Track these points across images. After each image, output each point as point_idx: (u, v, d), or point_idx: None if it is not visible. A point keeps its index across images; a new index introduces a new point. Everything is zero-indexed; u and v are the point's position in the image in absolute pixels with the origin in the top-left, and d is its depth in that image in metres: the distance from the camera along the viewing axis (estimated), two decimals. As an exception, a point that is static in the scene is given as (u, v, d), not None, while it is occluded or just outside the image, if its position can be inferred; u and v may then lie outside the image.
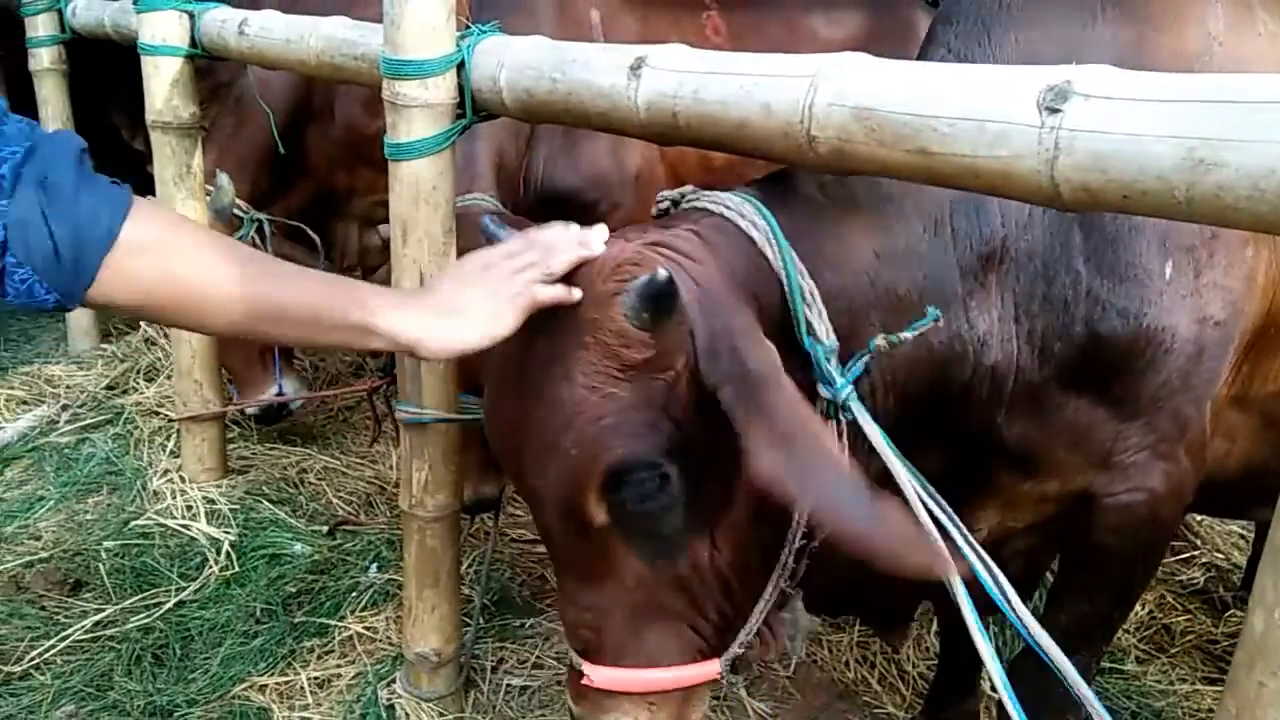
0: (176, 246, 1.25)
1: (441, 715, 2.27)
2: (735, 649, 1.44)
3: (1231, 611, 2.86)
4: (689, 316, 1.25)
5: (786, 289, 1.36)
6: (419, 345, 1.35)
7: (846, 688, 2.54)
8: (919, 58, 1.66)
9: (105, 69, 3.89)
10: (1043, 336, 1.50)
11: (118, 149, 4.11)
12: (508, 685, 2.41)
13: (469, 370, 1.98)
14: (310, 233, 3.29)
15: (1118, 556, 1.69)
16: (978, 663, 2.26)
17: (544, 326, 1.32)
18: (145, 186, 2.96)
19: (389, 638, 2.51)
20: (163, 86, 2.77)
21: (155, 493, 3.08)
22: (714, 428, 1.22)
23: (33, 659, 2.45)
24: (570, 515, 1.30)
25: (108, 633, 2.55)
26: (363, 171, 3.33)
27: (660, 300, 1.20)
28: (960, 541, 1.28)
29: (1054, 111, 1.04)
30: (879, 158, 1.21)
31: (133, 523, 2.96)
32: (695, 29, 3.19)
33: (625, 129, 1.57)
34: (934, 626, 2.66)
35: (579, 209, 2.85)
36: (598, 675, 1.38)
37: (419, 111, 1.82)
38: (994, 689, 1.27)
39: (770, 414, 1.15)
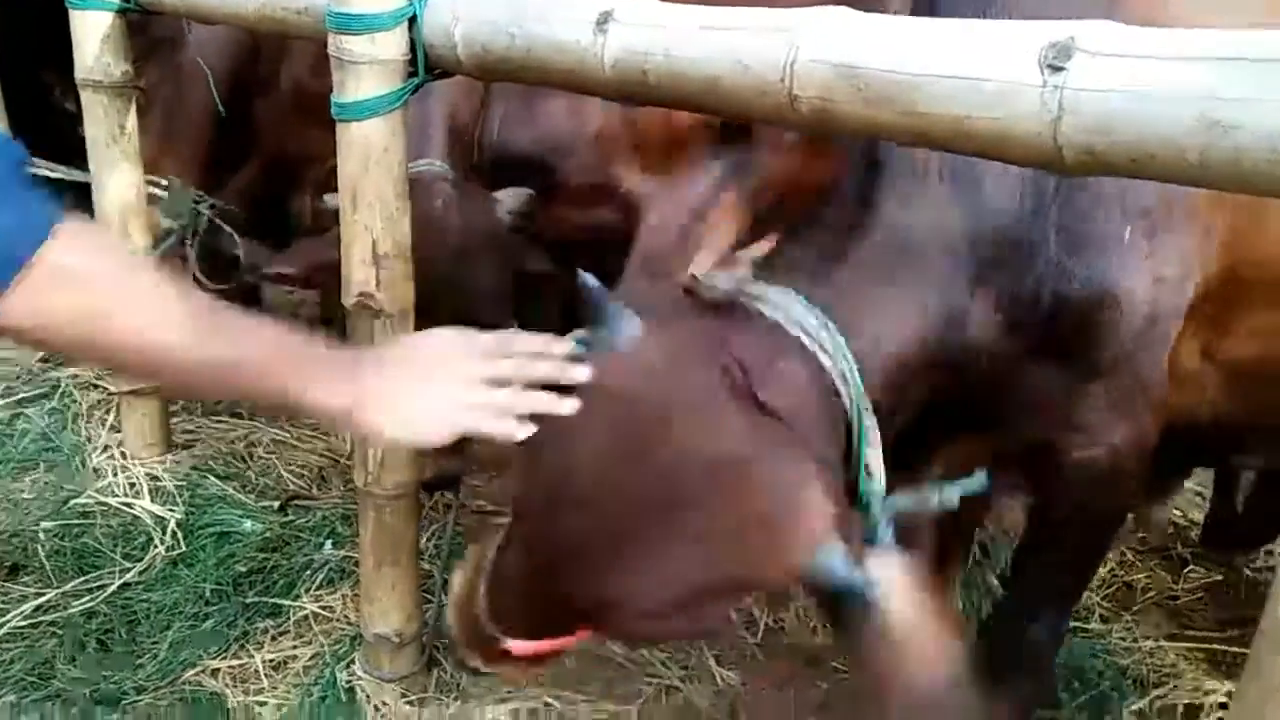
0: (109, 284, 1.13)
1: (404, 696, 2.20)
2: None
3: (1191, 568, 2.89)
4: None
5: (855, 430, 1.29)
6: (344, 429, 1.25)
7: (814, 654, 2.52)
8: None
9: (36, 24, 3.67)
10: (1022, 321, 1.47)
11: (50, 110, 3.89)
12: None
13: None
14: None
15: (1082, 512, 1.71)
16: None
17: (682, 459, 1.17)
18: (79, 151, 2.81)
19: (346, 617, 2.43)
20: (92, 43, 2.60)
21: (95, 470, 2.95)
22: None
23: (-31, 647, 2.34)
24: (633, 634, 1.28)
25: (48, 618, 2.44)
26: (314, 135, 3.18)
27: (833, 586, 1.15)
28: None
29: (1056, 69, 0.98)
30: (867, 118, 1.14)
31: (72, 502, 2.83)
32: None
33: (591, 88, 1.48)
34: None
35: (538, 172, 2.75)
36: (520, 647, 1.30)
37: (367, 69, 1.71)
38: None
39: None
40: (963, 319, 1.43)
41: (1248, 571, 2.91)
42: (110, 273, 1.14)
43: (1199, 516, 3.10)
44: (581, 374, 1.24)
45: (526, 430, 1.22)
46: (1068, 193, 1.43)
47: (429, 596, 2.35)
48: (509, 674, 1.34)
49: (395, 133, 1.78)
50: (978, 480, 1.29)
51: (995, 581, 2.71)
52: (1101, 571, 2.88)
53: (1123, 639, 2.58)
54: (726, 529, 1.14)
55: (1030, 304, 1.46)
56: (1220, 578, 2.86)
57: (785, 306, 1.30)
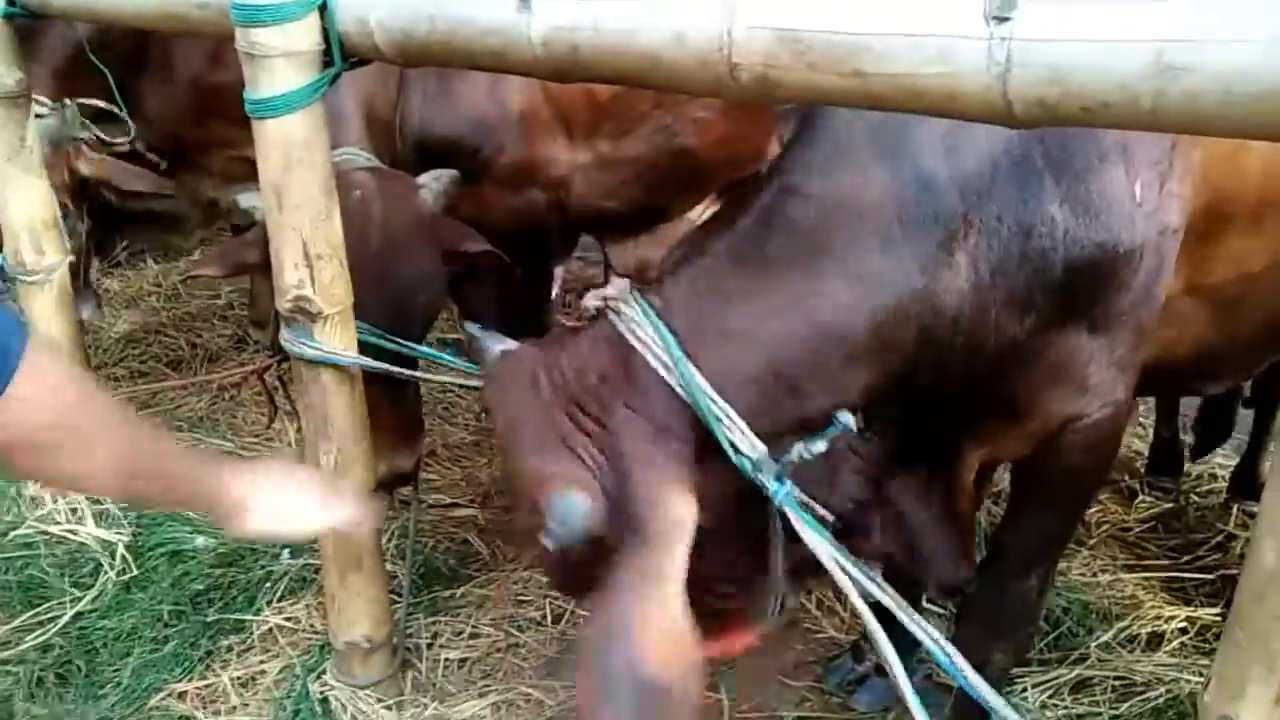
0: (64, 424, 1.17)
1: (380, 700, 2.16)
2: None
3: (1140, 498, 2.94)
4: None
5: (702, 418, 1.39)
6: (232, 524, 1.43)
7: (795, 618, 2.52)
8: None
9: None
10: (1024, 291, 1.44)
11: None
12: (445, 660, 2.32)
13: None
14: (150, 156, 3.08)
15: (1085, 472, 1.70)
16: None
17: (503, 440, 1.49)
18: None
19: (312, 626, 2.38)
20: (-19, 52, 2.47)
21: (33, 499, 2.83)
22: None
23: (-81, 696, 2.25)
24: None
25: (1, 655, 2.35)
26: (214, 126, 3.06)
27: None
28: (907, 623, 1.35)
29: (1001, 21, 0.96)
30: (811, 83, 1.11)
31: (12, 533, 2.72)
32: None
33: (521, 68, 1.43)
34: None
35: (461, 156, 2.66)
36: None
37: (281, 61, 1.64)
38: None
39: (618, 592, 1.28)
40: (908, 298, 1.42)
41: (1195, 498, 2.97)
42: (66, 412, 1.18)
43: (1143, 448, 3.15)
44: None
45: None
46: (1062, 155, 1.40)
47: (396, 598, 2.31)
48: None
49: (316, 127, 1.71)
50: (839, 425, 1.45)
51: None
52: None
53: (1082, 575, 2.62)
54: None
55: (1037, 275, 1.43)
56: (1170, 506, 2.91)
57: (628, 316, 1.45)
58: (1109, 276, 1.44)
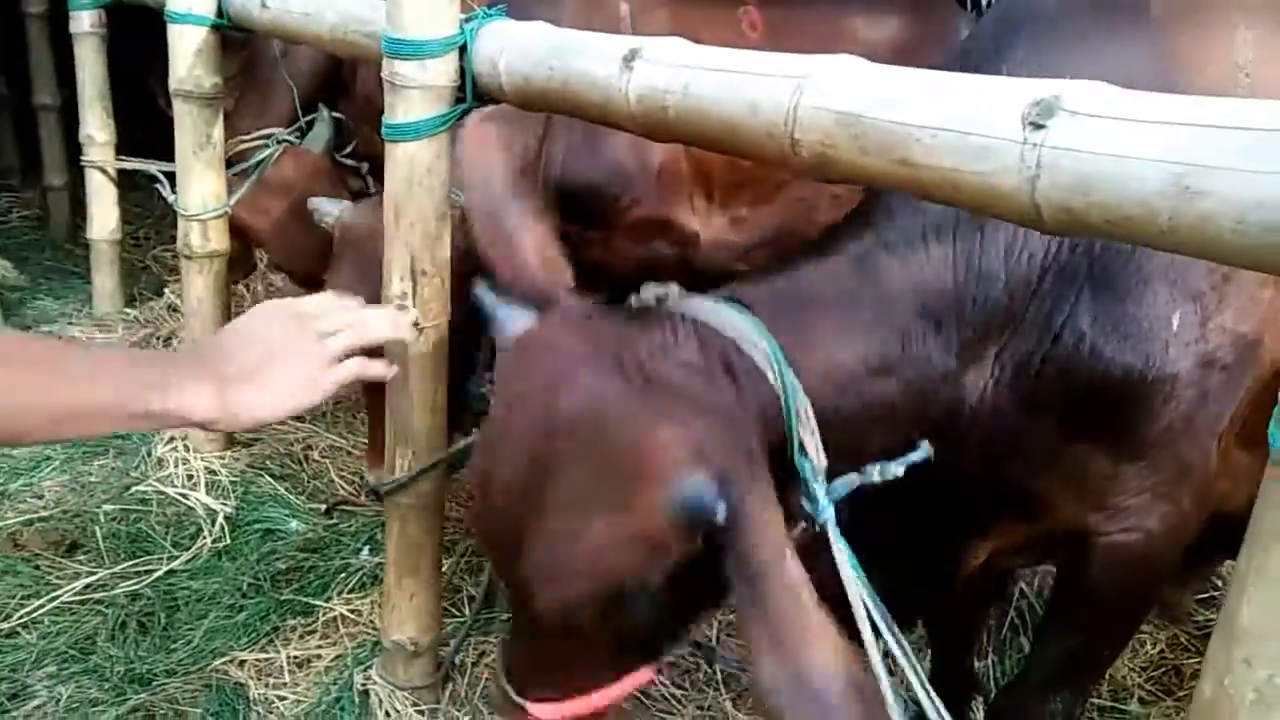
0: None
1: (415, 705, 2.23)
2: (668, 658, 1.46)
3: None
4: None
5: (784, 411, 1.33)
6: (216, 423, 1.22)
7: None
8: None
9: (146, 37, 3.91)
10: (1042, 395, 1.44)
11: (154, 117, 4.13)
12: (486, 680, 2.38)
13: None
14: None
15: (1110, 595, 1.64)
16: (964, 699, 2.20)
17: (552, 470, 1.26)
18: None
19: (371, 622, 2.49)
20: (186, 55, 2.77)
21: (159, 460, 3.08)
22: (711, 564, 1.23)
23: (21, 617, 2.47)
24: (550, 614, 1.28)
25: (96, 596, 2.56)
26: (380, 146, 3.32)
27: (699, 511, 1.19)
28: (918, 688, 1.28)
29: (1038, 127, 0.98)
30: (861, 166, 1.15)
31: (133, 488, 2.97)
32: (731, 24, 3.09)
33: (617, 121, 1.52)
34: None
35: (599, 204, 2.79)
36: (546, 714, 1.37)
37: (417, 93, 1.79)
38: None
39: (772, 613, 1.16)
40: (940, 379, 1.42)
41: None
42: None
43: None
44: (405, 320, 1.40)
45: (392, 369, 1.32)
46: (1105, 273, 1.40)
47: (451, 611, 2.39)
48: None
49: (439, 155, 1.85)
50: (921, 451, 1.37)
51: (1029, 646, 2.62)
52: (1150, 652, 2.77)
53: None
54: (593, 479, 1.22)
55: (1057, 382, 1.43)
56: None
57: (698, 308, 1.40)
58: (1136, 401, 1.41)
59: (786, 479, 1.33)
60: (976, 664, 2.45)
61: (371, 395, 2.07)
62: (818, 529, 1.34)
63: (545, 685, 1.38)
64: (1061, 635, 1.74)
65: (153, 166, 3.46)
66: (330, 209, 2.54)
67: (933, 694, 1.27)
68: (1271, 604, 0.86)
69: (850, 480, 1.37)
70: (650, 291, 1.46)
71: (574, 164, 2.84)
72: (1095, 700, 2.53)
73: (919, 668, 1.29)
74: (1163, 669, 2.73)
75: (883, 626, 1.29)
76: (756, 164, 1.36)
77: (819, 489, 1.32)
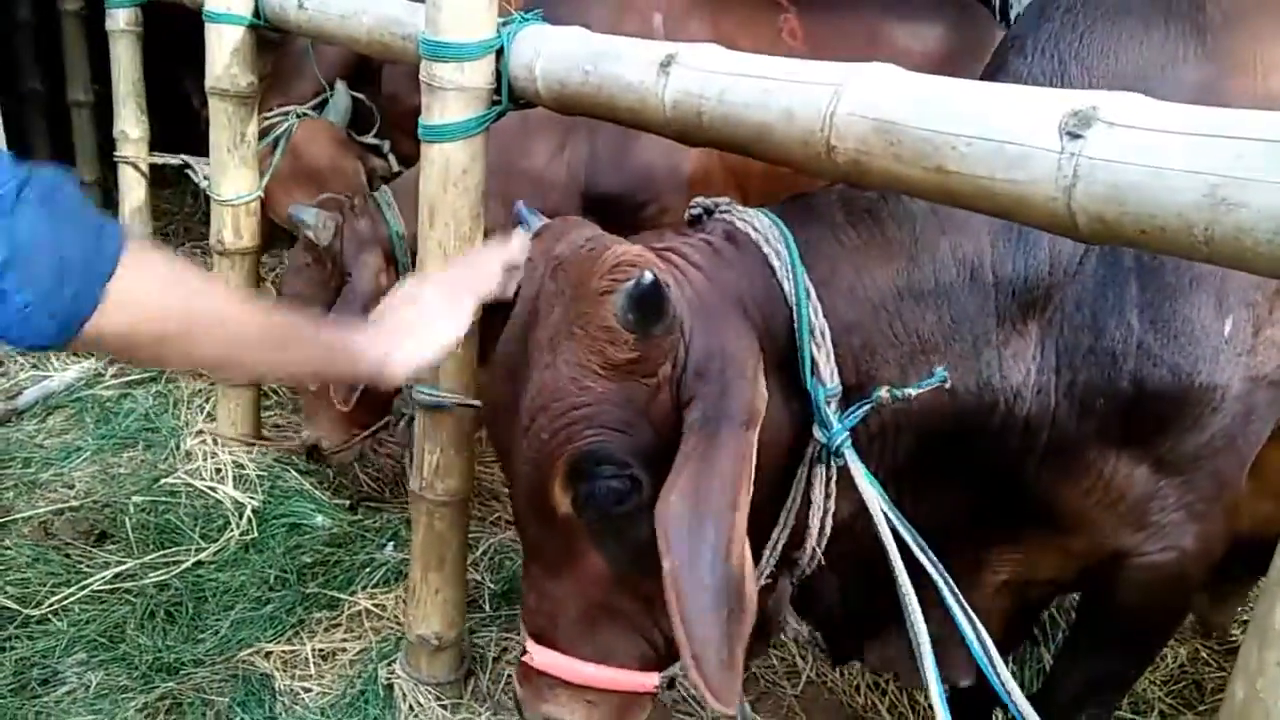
0: (183, 314, 1.20)
1: (439, 699, 2.26)
2: (676, 668, 1.41)
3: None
4: (683, 328, 1.23)
5: (796, 324, 1.33)
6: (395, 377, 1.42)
7: (855, 712, 2.48)
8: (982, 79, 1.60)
9: (181, 36, 3.96)
10: (1085, 390, 1.42)
11: (186, 116, 4.18)
12: (509, 675, 2.40)
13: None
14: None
15: (1141, 615, 1.62)
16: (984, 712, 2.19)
17: (542, 315, 1.31)
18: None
19: (396, 616, 2.52)
20: (223, 54, 2.81)
21: (188, 453, 3.12)
22: None
23: (52, 605, 2.51)
24: (537, 499, 1.29)
25: (125, 585, 2.60)
26: (403, 143, 3.36)
27: (647, 303, 1.18)
28: (945, 594, 1.23)
29: (1075, 137, 0.99)
30: (896, 173, 1.17)
31: (163, 480, 3.01)
32: (770, 32, 3.08)
33: (652, 126, 1.54)
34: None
35: (628, 210, 2.80)
36: (539, 656, 1.37)
37: (453, 95, 1.81)
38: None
39: (711, 466, 1.15)
40: (973, 335, 1.40)
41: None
42: (182, 303, 1.21)
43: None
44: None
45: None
46: (1155, 268, 1.38)
47: (480, 607, 2.41)
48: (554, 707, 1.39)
49: (475, 156, 1.87)
50: (939, 375, 1.33)
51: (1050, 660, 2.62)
52: (1170, 666, 2.76)
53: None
54: (567, 312, 1.27)
55: (1102, 377, 1.40)
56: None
57: (741, 213, 1.44)
58: (1181, 408, 1.39)
59: (794, 399, 1.33)
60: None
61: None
62: (834, 457, 1.32)
63: (545, 623, 1.37)
64: (1090, 656, 1.72)
65: (185, 159, 3.52)
66: (309, 218, 2.65)
67: (972, 614, 1.22)
68: (1301, 611, 0.87)
69: (863, 405, 1.33)
70: (700, 203, 1.51)
71: (604, 169, 2.86)
72: (1116, 713, 2.53)
73: (955, 588, 1.24)
74: (1183, 682, 2.72)
75: (911, 542, 1.25)
76: (794, 171, 1.37)
77: (831, 413, 1.30)
